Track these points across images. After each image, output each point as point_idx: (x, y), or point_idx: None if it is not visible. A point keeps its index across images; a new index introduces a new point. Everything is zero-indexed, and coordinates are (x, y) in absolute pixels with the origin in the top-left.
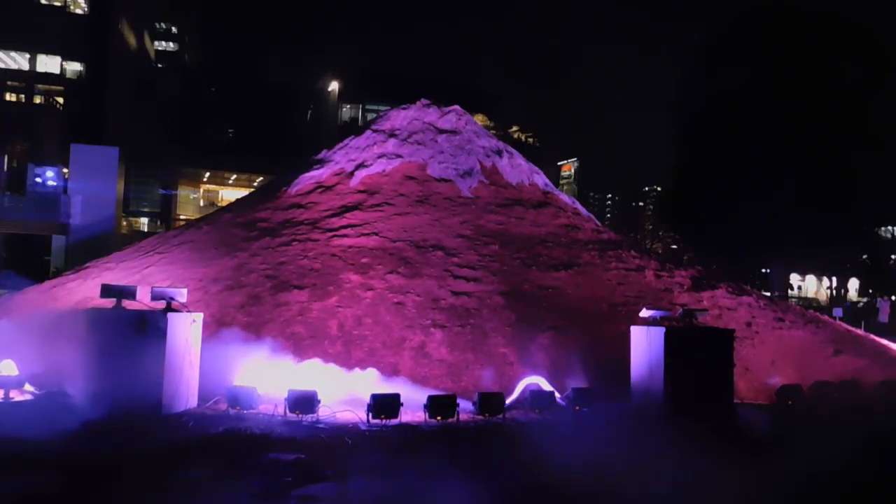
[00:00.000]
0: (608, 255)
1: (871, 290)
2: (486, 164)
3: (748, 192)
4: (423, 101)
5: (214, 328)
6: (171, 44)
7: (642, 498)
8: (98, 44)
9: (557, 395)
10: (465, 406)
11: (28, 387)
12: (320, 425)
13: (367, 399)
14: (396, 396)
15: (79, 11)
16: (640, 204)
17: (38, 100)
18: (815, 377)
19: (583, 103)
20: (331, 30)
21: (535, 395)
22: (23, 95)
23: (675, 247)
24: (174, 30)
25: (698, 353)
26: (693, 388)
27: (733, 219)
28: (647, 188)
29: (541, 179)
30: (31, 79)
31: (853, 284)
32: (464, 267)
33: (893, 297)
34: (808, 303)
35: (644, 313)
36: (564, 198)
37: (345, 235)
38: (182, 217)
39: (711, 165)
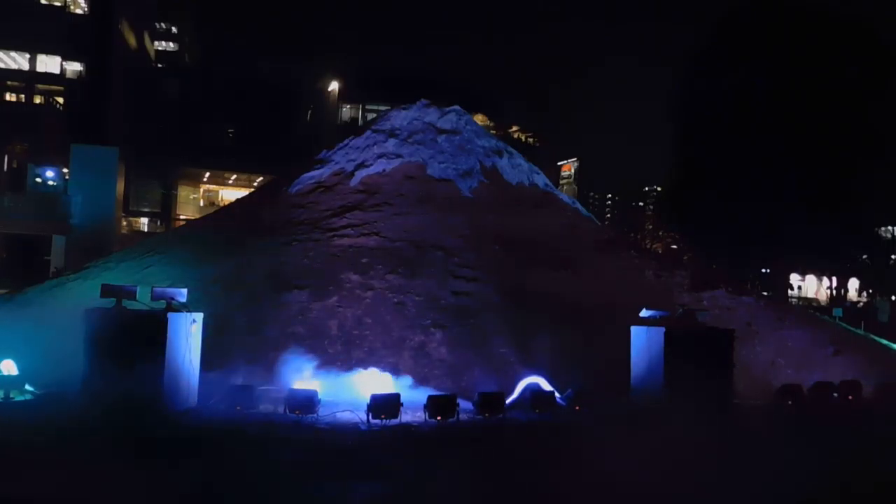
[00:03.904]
0: (608, 255)
1: (871, 290)
2: (486, 164)
3: (748, 193)
4: (423, 101)
5: (214, 328)
6: (171, 44)
7: None
8: (98, 44)
9: (557, 395)
10: (465, 406)
11: (28, 387)
12: (320, 425)
13: (367, 399)
14: (396, 396)
15: (79, 11)
16: (640, 204)
17: (38, 100)
18: (815, 377)
19: (583, 103)
20: (331, 30)
21: (535, 394)
22: (23, 95)
23: (675, 247)
24: (174, 30)
25: (698, 353)
26: (693, 389)
27: (734, 219)
28: (647, 188)
29: (541, 179)
30: (31, 79)
31: (853, 284)
32: (464, 267)
33: (893, 297)
34: (808, 303)
35: (644, 313)
36: (564, 198)
37: (345, 235)
38: (182, 217)
39: (712, 166)
